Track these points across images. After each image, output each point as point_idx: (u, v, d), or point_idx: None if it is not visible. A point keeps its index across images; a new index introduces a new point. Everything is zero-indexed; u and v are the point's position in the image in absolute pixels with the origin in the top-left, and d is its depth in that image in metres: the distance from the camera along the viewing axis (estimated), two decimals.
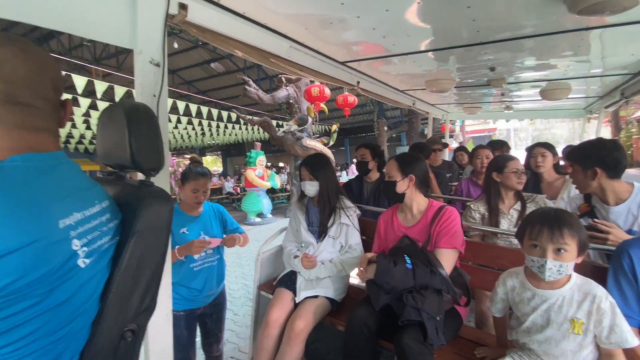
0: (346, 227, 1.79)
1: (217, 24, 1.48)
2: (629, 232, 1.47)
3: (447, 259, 1.37)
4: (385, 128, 13.33)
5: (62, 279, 0.59)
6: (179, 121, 8.61)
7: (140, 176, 0.93)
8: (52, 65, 0.67)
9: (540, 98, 3.32)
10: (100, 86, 5.66)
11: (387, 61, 2.32)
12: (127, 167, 0.90)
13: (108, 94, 5.89)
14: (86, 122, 8.50)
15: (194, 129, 10.05)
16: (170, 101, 6.93)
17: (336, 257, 1.77)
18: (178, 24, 1.37)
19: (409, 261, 1.31)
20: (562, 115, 5.09)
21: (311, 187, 1.82)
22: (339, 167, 15.07)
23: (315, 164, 1.85)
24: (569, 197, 2.00)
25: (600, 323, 1.00)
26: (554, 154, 2.30)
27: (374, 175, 2.48)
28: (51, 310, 0.58)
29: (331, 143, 8.12)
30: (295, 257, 1.78)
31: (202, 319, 1.88)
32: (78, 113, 7.39)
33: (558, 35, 1.75)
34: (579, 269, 1.18)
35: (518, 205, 1.89)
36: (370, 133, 14.34)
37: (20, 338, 0.55)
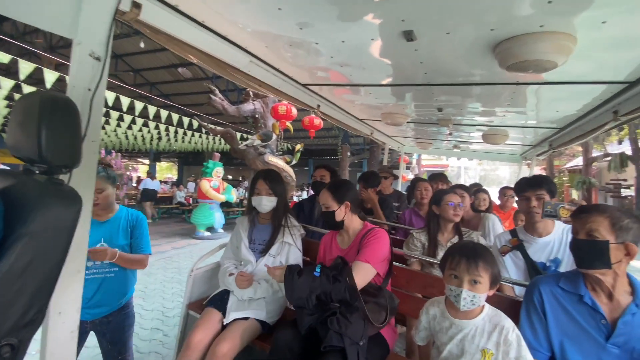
0: (288, 246, 1.76)
1: (173, 28, 1.44)
2: (545, 266, 1.62)
3: (358, 271, 1.38)
4: (349, 153, 13.71)
5: None
6: (133, 122, 8.13)
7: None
8: None
9: (482, 141, 3.64)
10: (50, 75, 5.22)
11: (346, 89, 2.41)
12: (36, 162, 0.82)
13: (59, 85, 5.44)
14: None
15: (149, 132, 9.53)
16: (127, 100, 6.56)
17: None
18: (129, 21, 1.32)
19: (317, 269, 1.32)
20: (502, 158, 5.61)
21: (268, 203, 1.77)
22: (303, 186, 15.09)
23: (275, 179, 1.81)
24: (493, 233, 2.21)
25: (507, 354, 1.05)
26: (470, 194, 2.62)
27: None
28: None
29: (294, 162, 8.13)
30: (231, 274, 1.70)
31: (98, 337, 1.70)
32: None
33: (495, 86, 1.95)
34: (498, 303, 1.26)
35: (455, 239, 2.00)
36: (333, 157, 14.64)
37: None
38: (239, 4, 1.32)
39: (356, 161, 15.76)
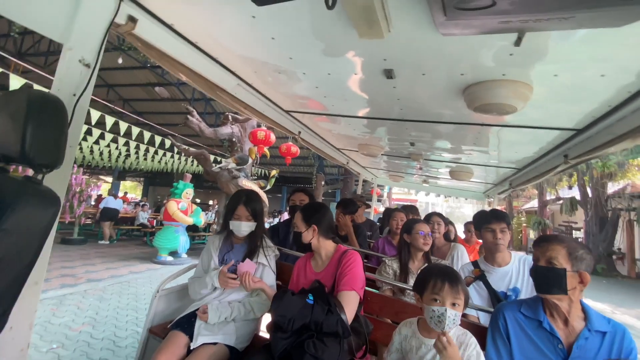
0: (262, 267, 1.73)
1: (166, 45, 1.48)
2: (505, 295, 1.71)
3: (349, 302, 1.39)
4: (323, 182, 13.88)
5: None
6: (102, 137, 7.81)
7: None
8: None
9: (450, 177, 3.87)
10: (16, 81, 4.97)
11: (326, 118, 2.53)
12: (14, 160, 0.79)
13: None
14: None
15: (117, 148, 9.17)
16: (97, 114, 6.33)
17: (246, 298, 1.67)
18: (123, 34, 1.35)
19: (311, 297, 1.31)
20: (467, 195, 5.95)
21: (247, 229, 1.75)
22: (275, 213, 14.87)
23: (255, 201, 1.79)
24: (460, 263, 2.32)
25: None
26: (446, 223, 2.76)
27: None
28: None
29: (268, 187, 8.08)
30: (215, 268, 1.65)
31: None
32: None
33: (463, 125, 2.14)
34: (466, 328, 1.30)
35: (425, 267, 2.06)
36: (308, 185, 14.73)
37: None
38: (233, 29, 1.39)
39: (330, 190, 15.93)
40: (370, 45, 1.28)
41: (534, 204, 17.61)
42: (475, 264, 1.91)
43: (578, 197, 12.90)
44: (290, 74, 1.73)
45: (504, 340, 1.25)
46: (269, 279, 1.72)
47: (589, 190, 12.42)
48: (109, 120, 6.63)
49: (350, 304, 1.38)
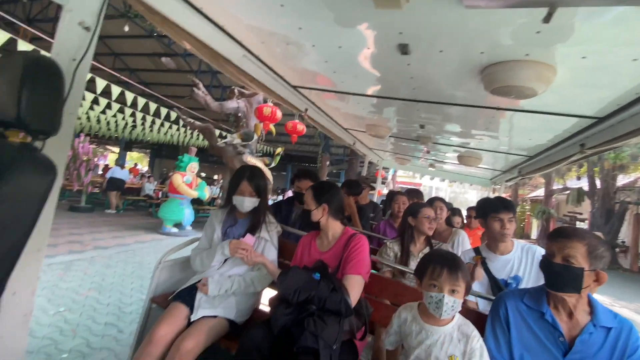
0: (264, 242, 1.73)
1: (170, 10, 1.41)
2: (506, 283, 1.71)
3: (353, 286, 1.39)
4: (328, 163, 13.80)
5: None
6: (108, 106, 7.76)
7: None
8: None
9: (457, 162, 3.80)
10: (24, 47, 4.89)
11: (336, 96, 2.44)
12: (10, 124, 0.76)
13: None
14: None
15: (124, 118, 9.12)
16: (103, 83, 6.25)
17: (247, 273, 1.68)
18: None
19: (317, 275, 1.33)
20: (473, 181, 5.87)
21: (250, 204, 1.75)
22: (279, 190, 14.95)
23: (259, 177, 1.78)
24: (461, 248, 2.31)
25: None
26: (448, 209, 2.75)
27: None
28: None
29: (273, 165, 8.06)
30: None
31: None
32: None
33: (476, 109, 2.05)
34: (465, 315, 1.29)
35: (427, 250, 2.06)
36: (312, 164, 14.68)
37: None
38: None
39: (334, 171, 15.89)
40: (386, 16, 1.20)
41: (540, 192, 17.43)
42: (476, 250, 1.89)
43: (586, 188, 12.73)
44: (299, 45, 1.64)
45: (504, 329, 1.24)
46: (271, 254, 1.73)
47: (597, 182, 12.23)
48: (115, 90, 6.55)
49: (355, 287, 1.39)
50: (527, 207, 18.54)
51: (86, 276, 3.98)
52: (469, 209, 3.84)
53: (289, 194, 12.57)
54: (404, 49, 1.38)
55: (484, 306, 1.79)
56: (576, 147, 2.13)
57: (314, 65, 1.88)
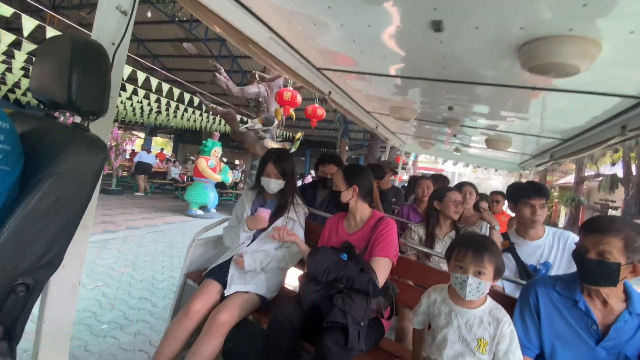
0: (292, 223, 1.79)
1: None
2: (535, 269, 1.67)
3: (381, 268, 1.41)
4: (347, 148, 13.70)
5: None
6: (135, 93, 7.98)
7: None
8: None
9: (485, 146, 3.67)
10: (53, 34, 5.07)
11: (359, 77, 2.40)
12: (61, 106, 0.81)
13: None
14: (25, 69, 7.49)
15: (149, 104, 9.37)
16: (129, 69, 6.42)
17: (279, 249, 1.76)
18: None
19: (345, 255, 1.35)
20: (500, 166, 5.68)
21: (276, 186, 1.80)
22: (297, 176, 15.05)
23: (285, 160, 1.82)
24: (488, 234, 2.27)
25: (498, 345, 1.09)
26: (477, 193, 2.70)
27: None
28: None
29: (293, 150, 8.10)
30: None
31: None
32: (19, 58, 6.50)
33: (509, 88, 1.97)
34: (493, 296, 1.29)
35: (452, 234, 2.05)
36: (331, 149, 14.64)
37: None
38: None
39: (353, 156, 15.76)
40: None
41: (570, 179, 16.64)
42: (505, 235, 1.86)
43: (620, 175, 12.03)
44: (327, 25, 1.62)
45: (533, 316, 1.23)
46: (299, 234, 1.78)
47: (633, 168, 11.52)
48: (141, 76, 6.72)
49: (382, 269, 1.41)
50: (555, 194, 17.81)
51: (120, 254, 4.23)
52: (493, 194, 3.74)
53: (308, 179, 12.65)
54: (437, 26, 1.33)
55: (510, 290, 1.77)
56: (616, 129, 2.00)
57: (340, 45, 1.85)
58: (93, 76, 0.78)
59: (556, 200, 17.02)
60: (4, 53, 6.36)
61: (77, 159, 0.71)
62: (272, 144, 7.54)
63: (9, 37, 5.37)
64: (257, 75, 7.80)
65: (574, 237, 1.71)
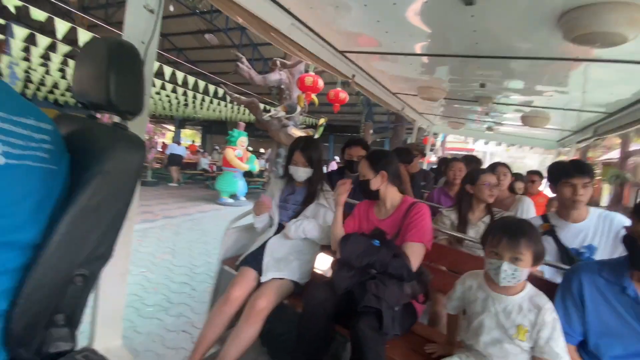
0: (324, 210, 1.81)
1: None
2: (577, 252, 1.59)
3: (414, 252, 1.40)
4: (371, 131, 13.43)
5: None
6: (163, 87, 8.24)
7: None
8: None
9: (520, 123, 3.47)
10: (84, 35, 5.30)
11: (384, 58, 2.33)
12: (102, 107, 0.85)
13: None
14: (62, 71, 7.93)
15: (177, 98, 9.65)
16: (156, 65, 6.60)
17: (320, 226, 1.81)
18: None
19: (377, 242, 1.36)
20: (537, 144, 5.35)
21: (304, 174, 1.83)
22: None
23: (312, 151, 1.83)
24: (526, 216, 2.17)
25: (539, 333, 1.06)
26: (512, 174, 2.59)
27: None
28: None
29: (316, 136, 8.08)
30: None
31: None
32: (55, 60, 6.88)
33: (547, 61, 1.83)
34: (531, 282, 1.24)
35: (487, 219, 1.98)
36: (355, 133, 14.43)
37: None
38: None
39: (378, 139, 15.46)
40: None
41: (614, 154, 15.39)
42: (545, 217, 1.77)
43: None
44: (349, 7, 1.57)
45: (577, 303, 1.17)
46: (331, 219, 1.80)
47: None
48: (167, 70, 6.90)
49: (415, 254, 1.39)
50: (597, 171, 16.60)
51: (160, 242, 4.49)
52: (529, 174, 3.55)
53: (333, 165, 12.63)
54: None
55: (549, 275, 1.70)
56: None
57: (364, 27, 1.80)
58: (129, 77, 0.81)
59: (598, 177, 15.89)
60: (42, 56, 6.75)
61: (120, 157, 0.75)
62: (295, 132, 7.56)
63: (45, 40, 5.68)
64: (278, 63, 7.77)
65: (621, 220, 1.59)
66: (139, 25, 1.16)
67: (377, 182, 1.55)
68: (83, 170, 0.74)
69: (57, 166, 0.72)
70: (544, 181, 3.62)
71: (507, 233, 1.08)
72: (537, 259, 1.09)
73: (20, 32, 5.17)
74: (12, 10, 4.42)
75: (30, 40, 5.61)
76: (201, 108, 11.30)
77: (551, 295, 1.20)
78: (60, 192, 0.72)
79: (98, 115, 0.90)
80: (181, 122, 21.12)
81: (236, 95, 8.09)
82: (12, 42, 5.50)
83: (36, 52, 6.08)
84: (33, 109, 0.72)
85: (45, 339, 0.74)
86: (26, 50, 6.28)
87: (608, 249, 1.57)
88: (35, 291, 0.67)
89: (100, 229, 0.75)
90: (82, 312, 0.80)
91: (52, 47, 5.96)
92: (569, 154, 4.42)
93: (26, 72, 8.05)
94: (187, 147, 12.73)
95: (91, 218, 0.73)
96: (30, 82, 9.01)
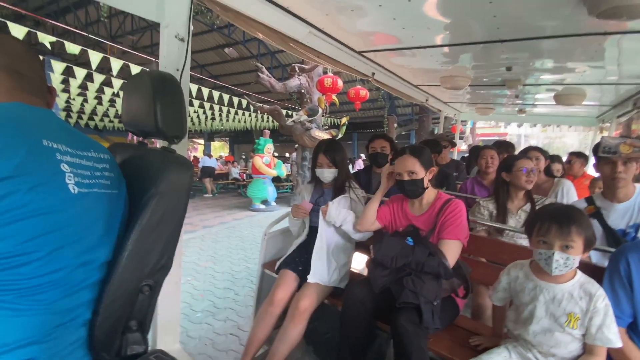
0: (354, 203, 1.85)
1: (240, 3, 1.50)
2: (624, 232, 1.51)
3: (450, 250, 1.40)
4: (395, 125, 13.24)
5: (50, 192, 0.64)
6: (190, 104, 8.66)
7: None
8: (38, 57, 0.81)
9: (553, 103, 3.30)
10: (116, 63, 5.70)
11: (403, 53, 2.32)
12: (151, 134, 0.94)
13: (122, 72, 5.93)
14: (98, 98, 8.56)
15: (204, 112, 10.08)
16: None
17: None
18: (204, 1, 1.40)
19: (410, 240, 1.37)
20: (574, 122, 5.04)
21: (329, 175, 1.88)
22: (347, 161, 15.06)
23: (335, 152, 1.88)
24: (566, 200, 2.09)
25: (592, 320, 1.03)
26: (546, 157, 2.46)
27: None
28: (42, 215, 0.62)
29: (340, 136, 8.12)
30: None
31: None
32: (91, 89, 7.45)
33: (576, 38, 1.75)
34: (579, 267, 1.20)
35: (527, 207, 1.91)
36: (379, 129, 14.28)
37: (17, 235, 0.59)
38: None
39: (403, 133, 15.19)
40: None
41: None
42: (589, 200, 1.69)
43: None
44: (364, 9, 1.60)
45: (624, 284, 1.12)
46: (359, 212, 1.82)
47: None
48: (194, 88, 7.24)
49: (452, 251, 1.39)
50: None
51: (201, 251, 4.72)
52: (571, 155, 3.36)
53: (359, 163, 12.57)
54: None
55: (597, 259, 1.62)
56: None
57: (380, 25, 1.82)
58: (172, 105, 0.90)
59: None
60: (79, 86, 7.32)
61: (172, 179, 0.84)
62: (318, 134, 7.64)
63: (82, 72, 6.16)
64: (296, 68, 7.90)
65: None
66: (173, 54, 1.26)
67: (427, 179, 1.53)
68: (140, 192, 0.84)
69: (118, 190, 0.82)
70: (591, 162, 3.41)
71: (557, 221, 1.04)
72: (589, 245, 1.05)
73: (58, 66, 5.63)
74: (48, 45, 4.81)
75: (67, 72, 6.10)
76: (227, 120, 11.72)
77: (599, 280, 1.16)
78: (123, 213, 0.82)
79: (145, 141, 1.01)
80: (210, 135, 21.97)
81: (259, 104, 8.32)
82: (52, 76, 6.00)
83: (74, 83, 6.60)
84: (92, 142, 0.82)
85: (122, 343, 0.84)
86: (64, 82, 6.84)
87: None
88: (113, 302, 0.77)
89: (161, 243, 0.85)
90: (151, 317, 0.90)
91: (87, 77, 6.43)
92: (610, 130, 4.13)
93: (66, 102, 8.77)
94: (224, 158, 13.20)
95: (153, 235, 0.82)
96: (71, 111, 9.79)
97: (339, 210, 1.72)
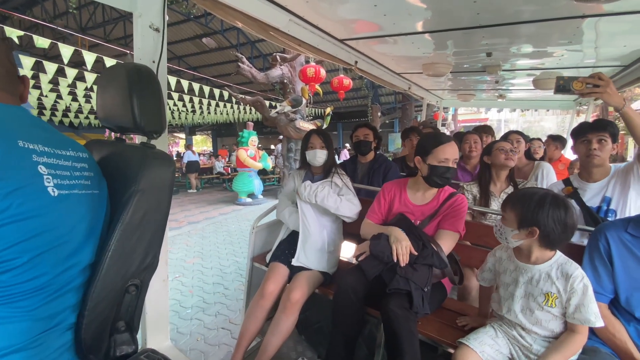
0: (337, 188, 1.87)
1: None
2: (598, 209, 1.58)
3: (448, 240, 1.45)
4: (379, 114, 13.30)
5: (28, 197, 0.61)
6: (169, 97, 8.40)
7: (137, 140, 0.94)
8: (3, 44, 0.76)
9: (532, 87, 3.37)
10: (89, 57, 5.44)
11: (385, 41, 2.31)
12: (129, 130, 0.90)
13: (96, 66, 5.67)
14: (72, 93, 8.19)
15: (184, 106, 9.81)
16: None
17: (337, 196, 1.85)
18: None
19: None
20: (553, 106, 5.19)
21: (322, 156, 1.89)
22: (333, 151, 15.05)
23: (326, 135, 1.92)
24: (546, 182, 2.15)
25: (569, 301, 1.07)
26: (526, 141, 2.53)
27: (370, 156, 2.52)
28: (21, 221, 0.60)
29: (325, 126, 8.09)
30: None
31: None
32: (63, 84, 7.10)
33: (555, 22, 1.78)
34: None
35: (510, 189, 1.97)
36: (363, 118, 14.30)
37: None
38: None
39: (387, 121, 15.28)
40: None
41: (637, 105, 14.65)
42: (567, 181, 1.75)
43: None
44: None
45: (604, 261, 1.18)
46: (350, 195, 1.87)
47: None
48: (172, 80, 7.02)
49: (449, 242, 1.44)
50: (620, 125, 15.86)
51: (188, 247, 4.66)
52: (548, 139, 3.47)
53: (345, 153, 12.60)
54: None
55: (577, 239, 1.69)
56: None
57: (361, 13, 1.79)
58: (150, 99, 0.86)
59: (622, 132, 15.18)
60: (51, 82, 6.96)
61: (153, 175, 0.81)
62: (303, 124, 7.58)
63: (52, 67, 5.85)
64: (278, 57, 7.76)
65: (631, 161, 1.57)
66: (148, 45, 1.21)
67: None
68: (121, 190, 0.81)
69: (99, 190, 0.79)
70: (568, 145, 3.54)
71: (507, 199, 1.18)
72: (524, 224, 1.09)
73: (27, 61, 5.32)
74: (16, 40, 4.54)
75: (37, 68, 5.78)
76: (209, 113, 11.46)
77: (579, 258, 1.21)
78: (105, 213, 0.79)
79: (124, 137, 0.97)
80: (191, 129, 21.46)
81: (241, 95, 8.15)
82: (21, 72, 5.67)
83: (45, 78, 6.27)
84: (69, 140, 0.79)
85: (111, 344, 0.83)
86: (35, 77, 6.49)
87: (623, 198, 1.55)
88: (98, 304, 0.75)
89: (145, 242, 0.82)
90: (139, 317, 0.88)
91: (59, 72, 6.13)
92: (587, 112, 4.27)
93: (38, 99, 8.35)
94: (219, 153, 12.95)
95: (136, 233, 0.79)
96: (45, 108, 9.34)
97: (310, 190, 1.74)
